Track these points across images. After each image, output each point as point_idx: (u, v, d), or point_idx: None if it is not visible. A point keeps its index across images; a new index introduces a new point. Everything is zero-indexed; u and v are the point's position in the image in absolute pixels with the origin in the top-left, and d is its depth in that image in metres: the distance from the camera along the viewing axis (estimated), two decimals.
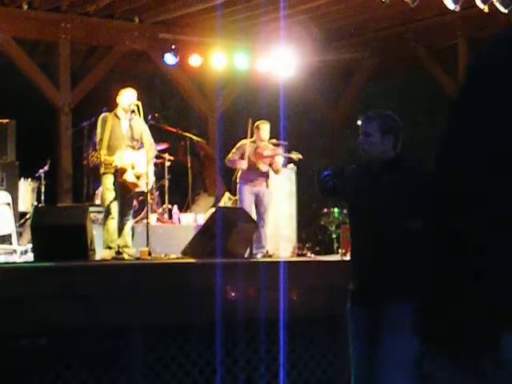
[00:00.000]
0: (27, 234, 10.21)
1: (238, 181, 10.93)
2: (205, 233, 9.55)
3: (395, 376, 4.56)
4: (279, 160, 10.97)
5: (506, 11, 9.82)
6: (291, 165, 11.75)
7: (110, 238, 9.46)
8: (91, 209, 10.06)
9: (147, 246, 9.49)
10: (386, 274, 4.65)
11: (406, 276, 4.61)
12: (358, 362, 4.74)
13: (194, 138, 13.16)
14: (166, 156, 12.28)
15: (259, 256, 10.31)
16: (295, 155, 11.14)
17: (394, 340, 4.56)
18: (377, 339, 4.63)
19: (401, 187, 4.66)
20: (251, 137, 11.00)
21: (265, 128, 10.94)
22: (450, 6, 9.75)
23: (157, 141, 10.44)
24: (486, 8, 9.92)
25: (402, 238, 4.59)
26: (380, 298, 4.63)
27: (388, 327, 4.58)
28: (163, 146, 12.40)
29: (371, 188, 4.72)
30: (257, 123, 11.02)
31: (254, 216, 10.60)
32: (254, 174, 10.77)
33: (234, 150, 10.99)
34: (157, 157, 10.94)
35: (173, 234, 11.46)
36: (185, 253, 9.62)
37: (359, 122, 9.49)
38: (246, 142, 10.92)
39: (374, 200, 4.68)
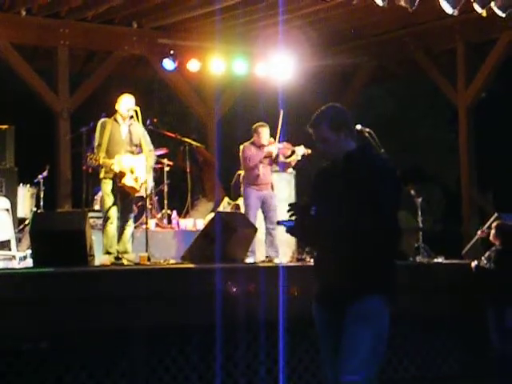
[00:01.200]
0: (26, 240, 10.20)
1: (242, 185, 10.70)
2: (204, 238, 9.54)
3: (358, 366, 4.43)
4: (300, 152, 10.72)
5: (503, 15, 9.84)
6: (290, 169, 11.73)
7: (110, 244, 9.45)
8: (90, 214, 10.05)
9: (146, 251, 9.47)
10: (344, 272, 4.55)
11: (365, 272, 4.50)
12: (325, 362, 4.70)
13: (193, 143, 13.16)
14: (165, 161, 12.28)
15: (276, 259, 10.29)
16: (306, 150, 10.88)
17: (353, 333, 4.47)
18: (340, 338, 4.56)
19: (360, 182, 4.49)
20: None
21: (265, 131, 10.63)
22: (448, 10, 9.75)
23: (156, 146, 10.44)
24: (484, 12, 9.93)
25: (360, 234, 4.45)
26: (340, 297, 4.56)
27: (348, 324, 4.51)
28: (162, 151, 12.40)
29: (333, 187, 4.63)
30: (255, 126, 10.71)
31: (260, 221, 10.53)
32: (260, 177, 10.62)
33: (247, 153, 10.56)
34: (156, 162, 10.93)
35: (172, 239, 11.45)
36: (184, 258, 9.61)
37: (358, 127, 9.48)
38: (246, 144, 10.71)
39: (332, 197, 4.59)
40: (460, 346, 9.42)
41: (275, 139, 10.77)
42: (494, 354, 9.08)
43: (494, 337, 9.10)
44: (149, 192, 10.04)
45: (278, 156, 10.74)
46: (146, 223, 10.02)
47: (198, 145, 13.32)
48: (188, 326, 7.81)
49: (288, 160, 10.84)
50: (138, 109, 9.58)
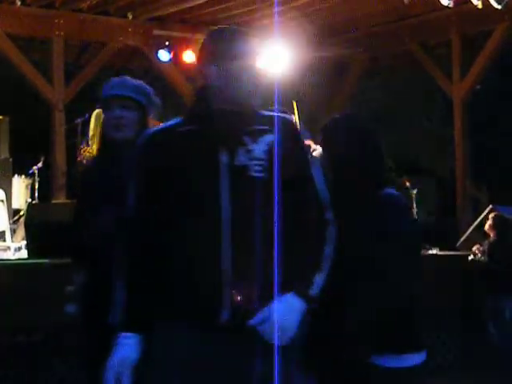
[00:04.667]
0: (21, 231, 10.19)
1: None
2: None
3: None
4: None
5: (499, 7, 9.84)
6: None
7: None
8: None
9: None
10: None
11: None
12: None
13: None
14: None
15: None
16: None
17: None
18: None
19: None
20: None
21: None
22: (444, 1, 9.77)
23: None
24: (479, 4, 9.94)
25: None
26: None
27: None
28: None
29: None
30: None
31: None
32: None
33: None
34: None
35: None
36: None
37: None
38: None
39: None
40: (456, 338, 9.44)
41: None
42: (491, 345, 9.12)
43: (491, 328, 9.14)
44: None
45: None
46: None
47: None
48: None
49: None
50: None
